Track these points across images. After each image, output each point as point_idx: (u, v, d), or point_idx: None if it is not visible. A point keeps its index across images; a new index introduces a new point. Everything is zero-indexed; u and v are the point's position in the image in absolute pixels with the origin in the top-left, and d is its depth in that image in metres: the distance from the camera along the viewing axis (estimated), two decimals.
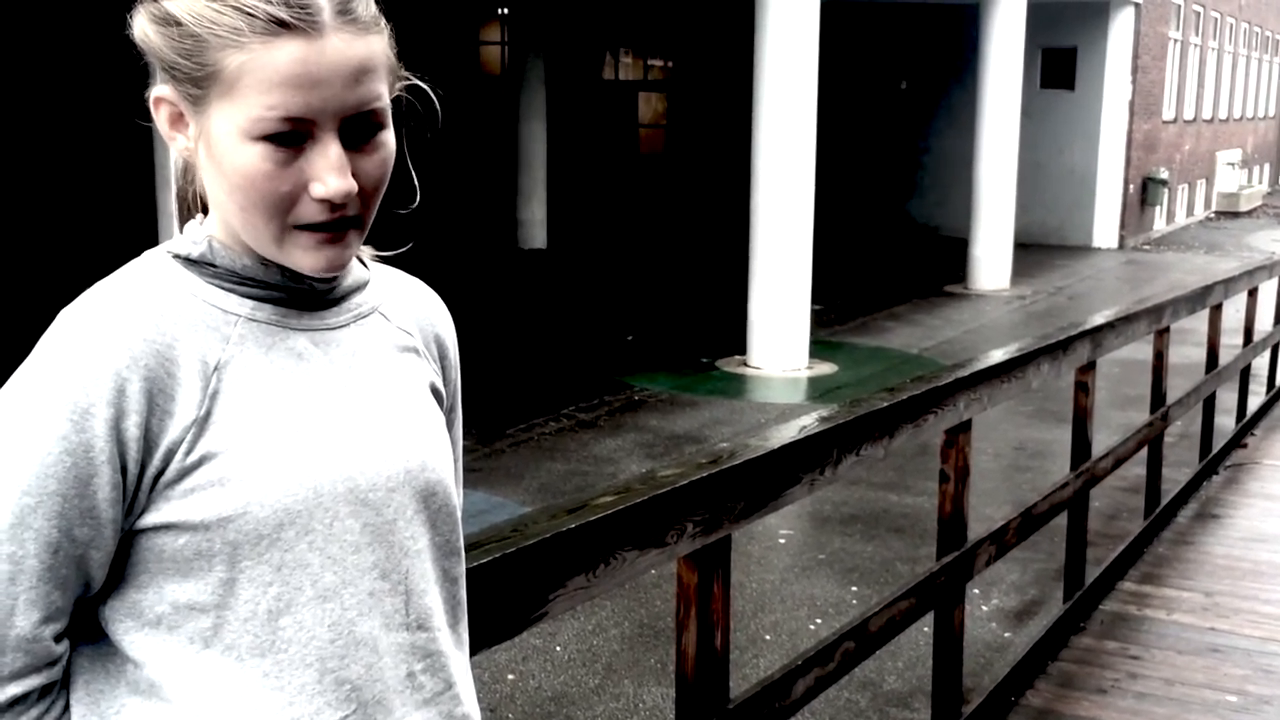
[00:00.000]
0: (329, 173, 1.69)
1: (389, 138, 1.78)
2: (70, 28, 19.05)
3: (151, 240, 1.90)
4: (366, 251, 2.00)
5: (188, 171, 1.88)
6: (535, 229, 26.16)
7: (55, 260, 16.29)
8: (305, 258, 1.75)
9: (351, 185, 1.70)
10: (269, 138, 1.67)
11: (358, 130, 1.72)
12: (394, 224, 2.07)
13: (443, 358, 2.04)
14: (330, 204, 1.71)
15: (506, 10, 27.91)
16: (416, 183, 1.96)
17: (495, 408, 12.32)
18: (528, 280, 22.26)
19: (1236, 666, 6.55)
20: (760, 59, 14.67)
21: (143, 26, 1.73)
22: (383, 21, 1.77)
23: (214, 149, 1.72)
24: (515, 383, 13.87)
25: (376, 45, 1.74)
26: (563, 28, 27.28)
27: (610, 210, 29.89)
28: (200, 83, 1.70)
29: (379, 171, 1.76)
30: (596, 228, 28.49)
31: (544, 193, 26.13)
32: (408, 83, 1.89)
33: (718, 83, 30.44)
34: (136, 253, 1.86)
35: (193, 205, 1.88)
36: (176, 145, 1.79)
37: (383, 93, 1.75)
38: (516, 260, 24.69)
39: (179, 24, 1.68)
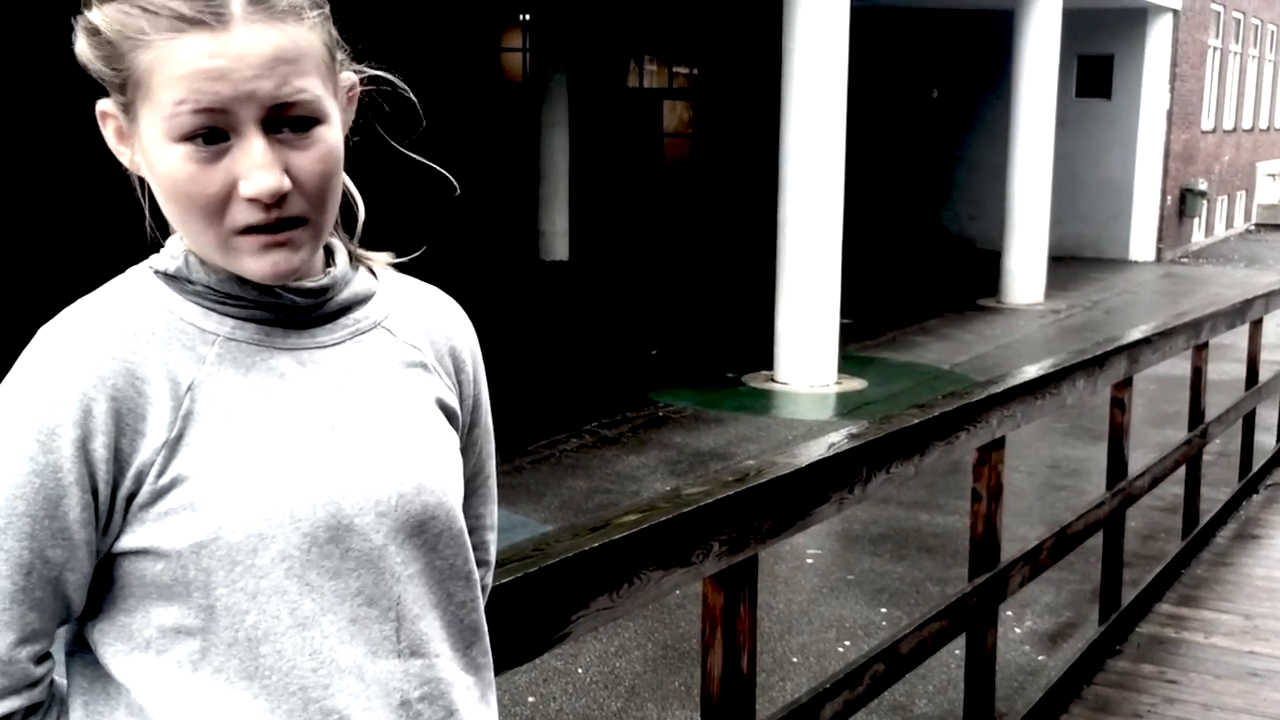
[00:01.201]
0: (254, 169, 1.67)
1: (329, 134, 1.75)
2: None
3: (155, 249, 1.90)
4: (382, 259, 1.99)
5: None
6: (557, 240, 26.18)
7: (59, 269, 16.33)
8: (252, 263, 1.73)
9: (281, 182, 1.68)
10: (191, 136, 1.66)
11: (287, 126, 1.70)
12: (411, 234, 2.07)
13: (458, 371, 2.01)
14: (262, 203, 1.69)
15: (528, 17, 27.92)
16: (357, 198, 1.94)
17: (516, 424, 12.31)
18: (549, 293, 22.29)
19: (1276, 691, 6.52)
20: (789, 66, 14.67)
21: (79, 41, 1.74)
22: (313, 12, 1.74)
23: (147, 157, 1.72)
24: (536, 398, 13.87)
25: (300, 35, 1.71)
26: (586, 34, 27.29)
27: (634, 221, 29.88)
28: (124, 89, 1.71)
29: (320, 168, 1.73)
30: (620, 239, 28.49)
31: (566, 203, 26.15)
32: (368, 74, 1.89)
33: (745, 90, 30.42)
34: (137, 261, 1.87)
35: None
36: (124, 159, 1.79)
37: (311, 86, 1.71)
38: (538, 272, 24.72)
39: (99, 32, 1.69)
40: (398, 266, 2.03)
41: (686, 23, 30.25)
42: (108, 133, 1.79)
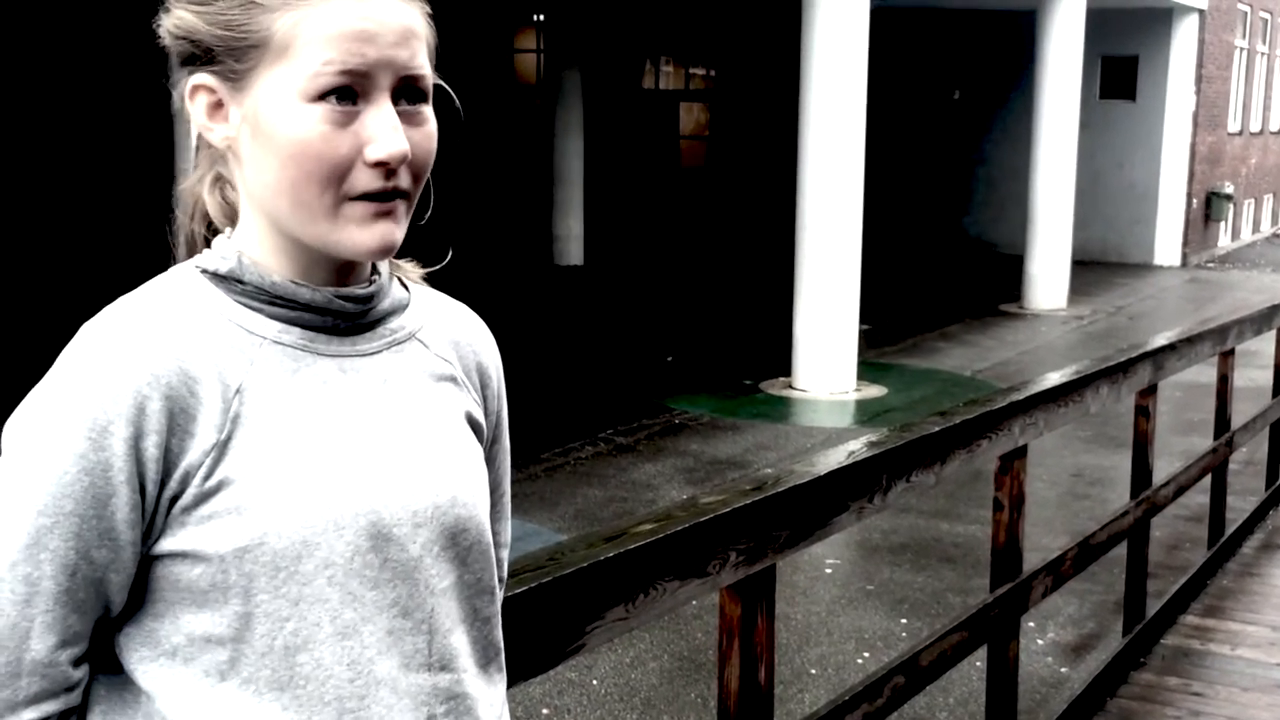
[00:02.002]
0: (385, 132, 1.72)
1: (432, 115, 1.82)
2: (97, 39, 19.17)
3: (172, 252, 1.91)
4: (413, 271, 2.01)
5: (195, 206, 1.90)
6: (572, 244, 26.17)
7: (77, 271, 16.37)
8: (359, 233, 1.76)
9: (406, 147, 1.74)
10: (326, 96, 1.71)
11: (407, 98, 1.77)
12: (428, 239, 2.08)
13: (484, 387, 2.04)
14: (386, 169, 1.73)
15: (542, 17, 27.94)
16: (431, 189, 1.97)
17: (530, 431, 12.30)
18: (564, 298, 22.31)
19: None
20: (807, 67, 14.67)
21: (177, 15, 1.77)
22: (422, 2, 1.83)
23: (264, 123, 1.74)
24: (550, 405, 13.87)
25: (421, 19, 1.80)
26: (601, 35, 27.28)
27: (650, 225, 29.89)
28: (247, 55, 1.74)
29: (427, 144, 1.80)
30: (635, 243, 28.50)
31: (581, 206, 26.12)
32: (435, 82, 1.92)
33: (763, 92, 30.42)
34: (163, 265, 1.87)
35: (199, 240, 1.89)
36: (214, 135, 1.81)
37: (427, 64, 1.80)
38: (552, 277, 24.74)
39: None
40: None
41: (703, 23, 30.25)
42: (197, 108, 1.81)
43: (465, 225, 23.23)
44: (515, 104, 28.05)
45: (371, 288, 1.86)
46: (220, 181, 1.88)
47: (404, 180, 1.76)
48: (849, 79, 14.55)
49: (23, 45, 19.02)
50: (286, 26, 1.71)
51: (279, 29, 1.71)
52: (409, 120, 1.76)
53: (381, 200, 1.75)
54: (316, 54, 1.70)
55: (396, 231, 1.79)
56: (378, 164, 1.73)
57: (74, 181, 19.86)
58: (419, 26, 1.78)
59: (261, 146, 1.75)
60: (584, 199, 26.17)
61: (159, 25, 1.80)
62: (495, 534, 2.13)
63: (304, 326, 1.81)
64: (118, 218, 19.25)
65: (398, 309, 1.92)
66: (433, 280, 2.06)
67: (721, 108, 32.48)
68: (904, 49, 29.29)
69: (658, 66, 32.13)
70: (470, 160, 24.53)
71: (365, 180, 1.74)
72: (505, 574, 2.22)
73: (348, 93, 1.71)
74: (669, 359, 16.80)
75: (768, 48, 28.53)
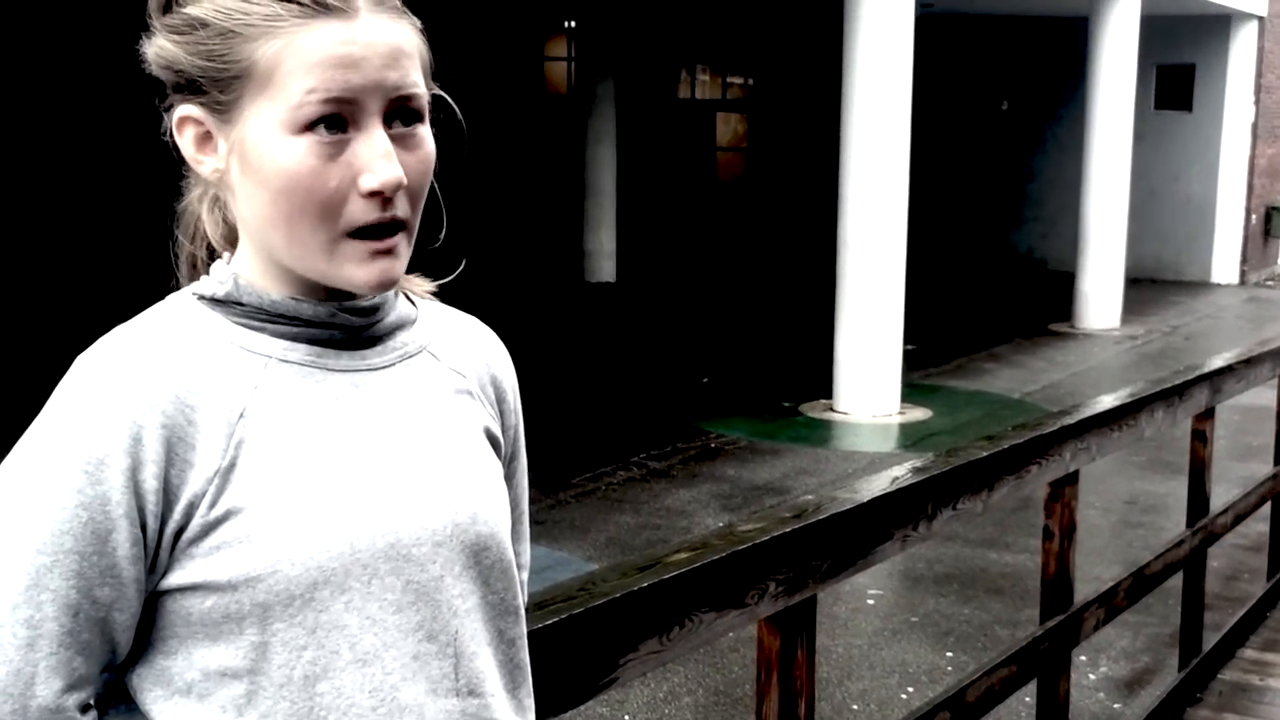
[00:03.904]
0: (377, 160, 1.72)
1: (429, 135, 1.81)
2: (100, 56, 19.24)
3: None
4: (421, 286, 2.01)
5: (195, 227, 1.91)
6: (603, 260, 26.15)
7: (81, 298, 16.42)
8: (357, 271, 1.76)
9: (401, 175, 1.73)
10: (313, 125, 1.70)
11: (401, 119, 1.76)
12: (449, 253, 2.08)
13: (500, 401, 2.03)
14: (382, 199, 1.73)
15: (573, 24, 27.93)
16: (444, 209, 1.97)
17: (559, 455, 12.33)
18: (595, 316, 22.33)
19: None
20: (850, 76, 14.65)
21: (159, 44, 1.77)
22: (415, 20, 1.82)
23: (251, 156, 1.73)
24: (581, 428, 13.90)
25: (411, 35, 1.79)
26: (634, 42, 27.29)
27: (685, 240, 29.84)
28: (230, 85, 1.73)
29: (422, 168, 1.79)
30: (670, 259, 28.46)
31: (613, 221, 26.10)
32: (434, 92, 1.91)
33: (803, 102, 30.41)
34: (168, 290, 1.88)
35: (200, 264, 1.90)
36: (204, 168, 1.81)
37: (420, 82, 1.79)
38: (583, 294, 24.76)
39: (205, 26, 1.72)
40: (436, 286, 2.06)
41: (742, 30, 30.21)
42: (185, 140, 1.81)
43: (492, 240, 23.25)
44: (545, 114, 28.02)
45: (376, 299, 1.86)
46: (218, 201, 1.88)
47: (401, 208, 1.76)
48: (893, 88, 14.53)
49: (31, 53, 19.12)
50: (269, 55, 1.70)
51: (261, 58, 1.70)
52: (403, 144, 1.76)
53: (380, 236, 1.75)
54: (299, 83, 1.69)
55: (397, 266, 1.78)
56: (372, 194, 1.72)
57: (84, 195, 19.93)
58: (408, 44, 1.78)
59: (251, 180, 1.75)
60: (616, 213, 26.12)
61: (143, 51, 1.80)
62: (516, 554, 2.13)
63: (310, 342, 1.81)
64: (129, 233, 19.31)
65: (405, 323, 1.93)
66: (456, 298, 2.07)
67: (760, 118, 32.45)
68: (950, 57, 29.26)
69: (694, 75, 32.09)
70: (497, 172, 24.56)
71: (361, 212, 1.73)
72: (525, 598, 2.23)
73: (336, 121, 1.71)
74: (705, 380, 16.79)
75: (808, 56, 28.51)
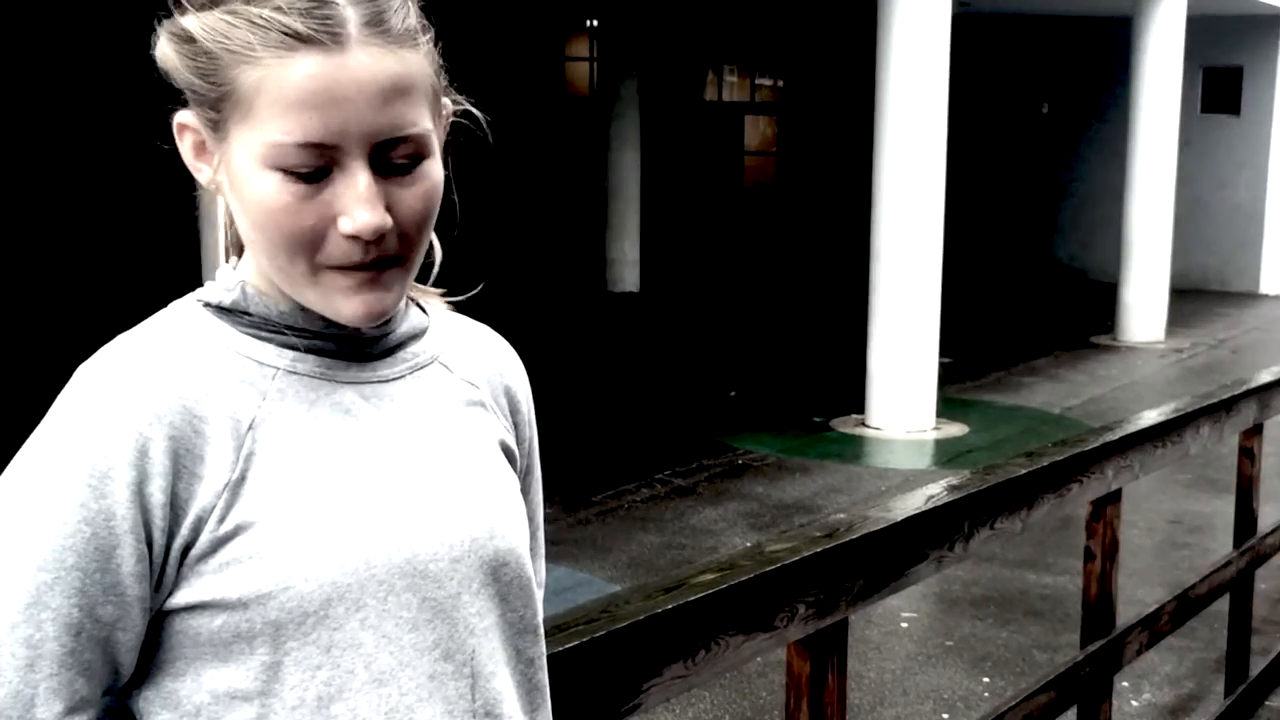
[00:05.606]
0: (357, 206, 1.68)
1: (433, 169, 1.77)
2: (109, 54, 19.31)
3: (195, 281, 1.91)
4: (436, 299, 2.01)
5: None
6: (627, 269, 26.17)
7: (89, 301, 16.45)
8: (343, 304, 1.74)
9: (384, 220, 1.69)
10: (288, 168, 1.68)
11: (392, 159, 1.71)
12: (467, 263, 2.08)
13: (514, 413, 2.03)
14: (362, 242, 1.70)
15: (596, 23, 27.93)
16: (457, 216, 1.95)
17: (581, 471, 12.33)
18: (617, 327, 22.34)
19: None
20: (884, 78, 14.63)
21: (163, 46, 1.75)
22: (423, 36, 1.77)
23: (235, 180, 1.73)
24: (603, 443, 13.91)
25: (413, 62, 1.73)
26: (659, 42, 27.30)
27: (711, 248, 29.86)
28: (217, 105, 1.71)
29: (421, 205, 1.75)
30: (696, 268, 28.49)
31: (637, 228, 26.12)
32: (461, 108, 1.90)
33: (835, 105, 30.41)
34: (178, 295, 1.88)
35: (238, 249, 1.89)
36: (202, 177, 1.80)
37: (421, 119, 1.74)
38: (605, 304, 24.79)
39: (193, 40, 1.70)
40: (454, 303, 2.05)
41: (771, 29, 30.20)
42: (184, 147, 1.80)
43: (511, 248, 23.29)
44: (566, 116, 28.03)
45: None
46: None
47: (391, 246, 1.73)
48: (929, 91, 14.51)
49: (32, 53, 19.19)
50: (249, 83, 1.67)
51: (242, 85, 1.67)
52: (396, 181, 1.72)
53: (365, 271, 1.73)
54: (275, 122, 1.66)
55: (387, 298, 1.76)
56: (352, 237, 1.70)
57: (85, 197, 19.99)
58: (406, 78, 1.72)
59: (236, 202, 1.75)
60: (640, 220, 26.15)
61: (154, 51, 1.78)
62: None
63: (318, 353, 1.81)
64: (131, 236, 19.38)
65: (416, 334, 1.92)
66: (474, 309, 2.06)
67: (790, 121, 32.45)
68: (988, 58, 29.23)
69: (721, 76, 32.11)
70: (517, 177, 24.57)
71: (340, 253, 1.71)
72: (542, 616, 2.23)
73: (313, 168, 1.68)
74: (732, 394, 16.80)
75: (840, 57, 28.51)
